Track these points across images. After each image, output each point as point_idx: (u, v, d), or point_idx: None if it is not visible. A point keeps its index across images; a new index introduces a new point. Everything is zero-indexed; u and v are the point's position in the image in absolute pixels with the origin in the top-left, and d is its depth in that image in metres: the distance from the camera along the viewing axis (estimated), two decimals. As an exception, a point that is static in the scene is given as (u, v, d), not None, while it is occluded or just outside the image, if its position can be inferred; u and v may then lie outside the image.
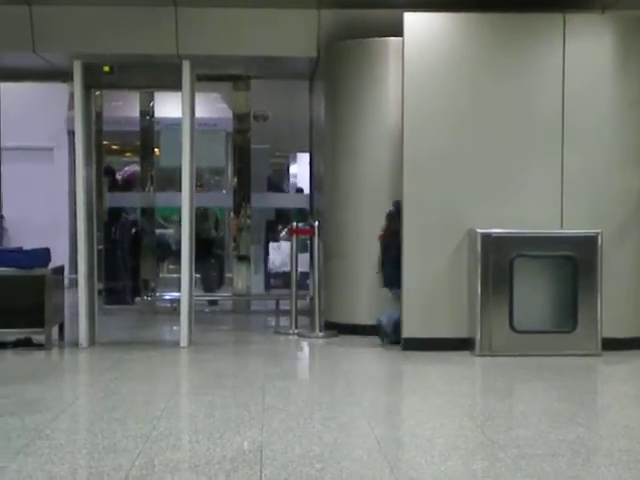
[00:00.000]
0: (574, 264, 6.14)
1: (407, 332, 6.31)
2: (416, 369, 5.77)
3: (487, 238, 6.11)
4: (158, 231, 9.47)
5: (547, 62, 6.32)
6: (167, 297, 9.07)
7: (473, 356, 6.10)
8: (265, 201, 9.76)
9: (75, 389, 5.32)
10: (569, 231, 6.24)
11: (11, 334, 6.54)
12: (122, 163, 10.86)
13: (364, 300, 7.10)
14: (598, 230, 6.16)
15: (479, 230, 6.12)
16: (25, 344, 6.52)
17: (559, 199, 6.30)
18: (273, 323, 8.33)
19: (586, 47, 6.33)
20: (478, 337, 6.09)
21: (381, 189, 7.01)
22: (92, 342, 6.61)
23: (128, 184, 9.57)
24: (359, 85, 7.09)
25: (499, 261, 6.10)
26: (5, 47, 7.51)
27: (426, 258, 6.31)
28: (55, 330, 6.68)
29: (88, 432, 4.14)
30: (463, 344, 6.22)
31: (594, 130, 6.33)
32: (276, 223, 10.71)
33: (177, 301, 7.31)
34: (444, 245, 6.31)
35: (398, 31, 6.37)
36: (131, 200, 9.41)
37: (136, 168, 9.70)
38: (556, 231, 6.26)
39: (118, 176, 9.75)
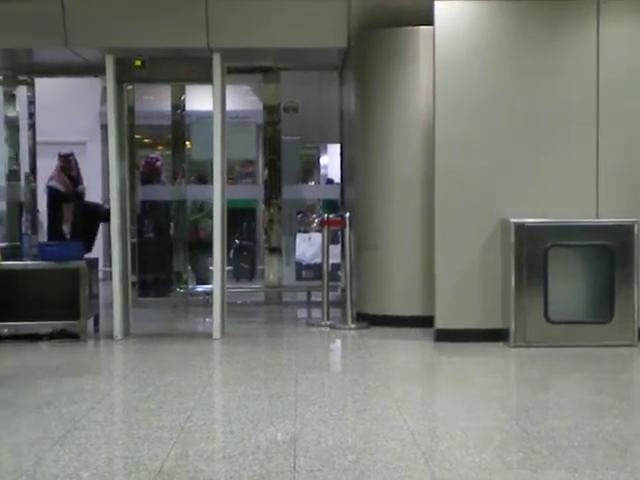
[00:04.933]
0: (610, 254, 6.06)
1: (440, 323, 6.28)
2: (449, 360, 5.74)
3: (521, 228, 6.04)
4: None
5: (581, 48, 6.23)
6: (199, 289, 9.13)
7: (507, 347, 6.05)
8: (296, 193, 9.76)
9: (110, 380, 5.37)
10: (605, 220, 6.15)
11: (47, 326, 6.63)
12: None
13: (396, 291, 7.08)
14: (634, 219, 6.06)
15: (512, 220, 6.06)
16: (60, 336, 6.60)
17: (594, 188, 6.22)
18: (305, 315, 8.35)
19: (621, 32, 6.22)
20: (512, 328, 6.04)
21: (412, 179, 6.98)
22: (126, 334, 6.67)
23: (149, 172, 9.55)
24: (390, 74, 7.05)
25: (533, 251, 6.03)
26: (38, 43, 7.58)
27: (458, 249, 6.27)
28: (90, 322, 6.76)
29: (123, 423, 4.17)
30: (497, 335, 6.17)
31: (630, 118, 6.23)
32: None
33: (210, 293, 7.36)
34: (477, 235, 6.26)
35: (428, 19, 6.32)
36: (163, 193, 9.46)
37: (156, 156, 9.73)
38: (592, 220, 6.17)
39: (140, 167, 9.76)
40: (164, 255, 9.22)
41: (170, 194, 9.32)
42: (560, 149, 6.25)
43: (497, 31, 6.25)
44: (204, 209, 9.83)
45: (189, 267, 9.47)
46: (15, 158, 9.25)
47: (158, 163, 9.55)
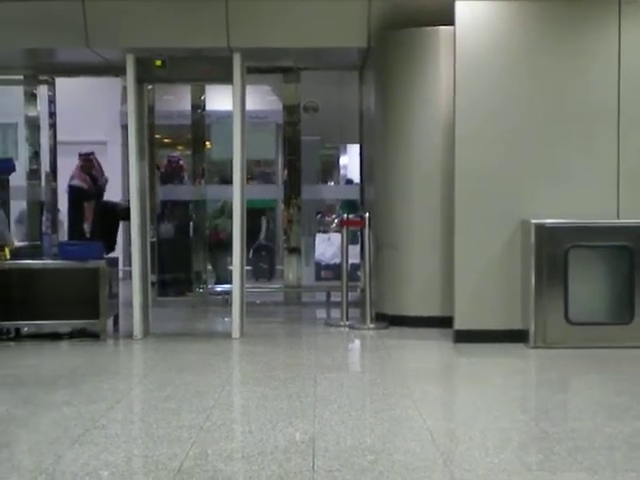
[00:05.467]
0: (631, 255, 6.00)
1: (459, 324, 6.25)
2: (468, 361, 5.72)
3: (541, 228, 6.00)
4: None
5: (602, 49, 6.18)
6: (219, 289, 9.14)
7: (527, 348, 6.02)
8: (315, 193, 9.76)
9: (130, 380, 5.39)
10: (626, 221, 6.10)
11: (66, 325, 6.67)
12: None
13: (415, 291, 7.06)
14: (656, 220, 6.01)
15: (533, 221, 6.02)
16: (80, 335, 6.64)
17: (615, 188, 6.17)
18: (324, 315, 8.34)
19: (643, 32, 6.17)
20: (532, 329, 6.00)
21: (432, 179, 6.96)
22: (146, 333, 6.70)
23: (171, 171, 9.62)
24: (410, 74, 7.03)
25: (553, 252, 5.99)
26: (59, 43, 7.63)
27: (478, 249, 6.24)
28: (110, 321, 6.79)
29: (143, 422, 4.19)
30: (516, 336, 6.13)
31: (652, 117, 6.18)
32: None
33: (229, 293, 7.37)
34: (496, 236, 6.23)
35: (448, 20, 6.30)
36: (183, 193, 9.50)
37: (178, 155, 9.80)
38: (612, 221, 6.12)
39: (162, 166, 9.83)
40: (184, 255, 9.26)
41: (190, 194, 9.35)
42: (581, 150, 6.20)
43: (517, 31, 6.21)
44: (225, 211, 9.87)
45: (209, 267, 9.49)
46: (36, 157, 9.32)
47: (181, 162, 9.62)
